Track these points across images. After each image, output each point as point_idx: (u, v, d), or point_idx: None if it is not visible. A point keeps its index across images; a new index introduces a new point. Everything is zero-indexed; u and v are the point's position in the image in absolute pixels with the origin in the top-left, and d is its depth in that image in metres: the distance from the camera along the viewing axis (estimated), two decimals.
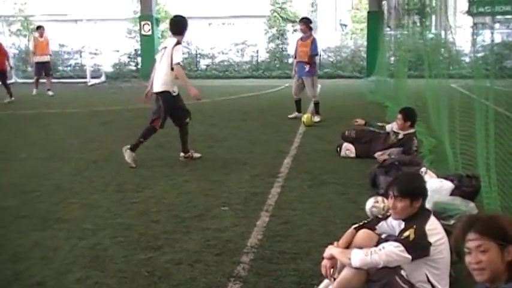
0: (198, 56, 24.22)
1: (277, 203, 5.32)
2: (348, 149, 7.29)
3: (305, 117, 9.93)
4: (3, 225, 4.78)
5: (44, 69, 16.35)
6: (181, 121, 7.33)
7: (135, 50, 23.80)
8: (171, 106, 7.10)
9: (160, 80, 7.04)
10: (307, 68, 10.35)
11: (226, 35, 24.83)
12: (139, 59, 23.40)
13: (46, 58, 16.36)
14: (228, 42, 24.08)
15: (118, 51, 24.09)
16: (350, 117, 9.48)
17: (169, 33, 7.25)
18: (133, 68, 23.80)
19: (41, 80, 16.57)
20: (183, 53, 7.49)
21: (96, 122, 10.96)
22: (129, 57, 24.13)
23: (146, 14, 22.00)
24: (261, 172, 6.53)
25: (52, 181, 6.32)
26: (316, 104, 10.63)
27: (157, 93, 7.05)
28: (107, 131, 9.93)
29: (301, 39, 10.65)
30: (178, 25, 7.18)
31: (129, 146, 7.00)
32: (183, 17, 7.44)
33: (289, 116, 10.72)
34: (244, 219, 4.84)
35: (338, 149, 7.37)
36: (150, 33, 21.94)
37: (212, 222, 4.77)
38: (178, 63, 6.91)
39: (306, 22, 10.71)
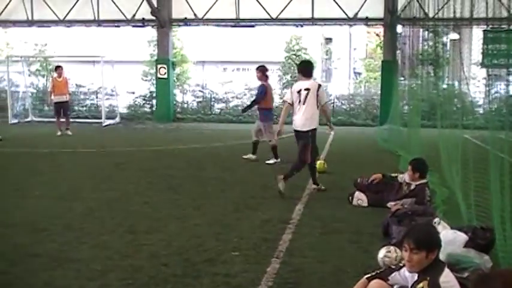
0: (212, 100, 24.47)
1: (288, 249, 5.27)
2: (360, 199, 7.25)
3: (318, 164, 9.94)
4: (15, 263, 4.77)
5: (62, 108, 16.45)
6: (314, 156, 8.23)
7: (151, 92, 24.13)
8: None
9: (308, 119, 7.90)
10: (260, 114, 11.21)
11: (240, 80, 25.11)
12: (154, 102, 23.69)
13: (64, 98, 16.45)
14: (242, 87, 24.34)
15: (133, 93, 24.45)
16: (363, 165, 9.50)
17: (299, 75, 8.30)
18: (148, 110, 24.07)
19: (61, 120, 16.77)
20: None
21: (109, 162, 11.03)
22: (144, 100, 24.43)
23: (163, 58, 22.42)
24: (272, 218, 6.50)
25: (64, 220, 6.34)
26: (273, 148, 10.95)
27: (306, 132, 7.91)
28: (120, 172, 9.98)
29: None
30: (311, 69, 8.32)
31: (282, 176, 7.75)
32: (312, 62, 9.17)
33: (244, 157, 11.12)
34: (255, 265, 4.79)
35: (350, 198, 7.34)
36: (166, 76, 22.30)
37: (222, 267, 4.73)
38: (327, 102, 8.39)
39: (261, 70, 11.42)
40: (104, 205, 7.16)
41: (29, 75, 24.00)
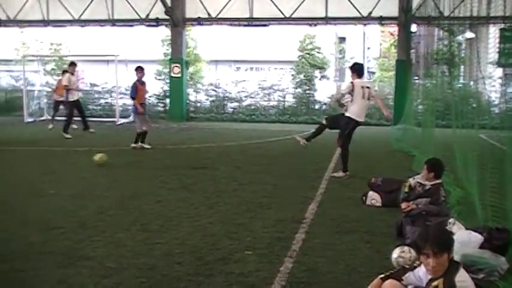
0: (226, 99, 24.49)
1: (302, 249, 5.26)
2: (374, 198, 7.22)
3: (98, 157, 10.45)
4: (29, 261, 4.81)
5: (63, 106, 17.79)
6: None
7: (164, 91, 24.20)
8: None
9: (365, 112, 9.50)
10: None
11: (253, 79, 25.10)
12: (167, 100, 23.75)
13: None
14: (255, 86, 24.34)
15: (147, 92, 24.47)
16: (376, 165, 9.46)
17: (353, 75, 9.37)
18: (161, 109, 24.15)
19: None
20: None
21: (122, 161, 11.09)
22: (157, 99, 24.49)
23: (176, 57, 22.48)
24: (285, 217, 6.49)
25: (78, 218, 6.37)
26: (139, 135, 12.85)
27: (361, 123, 9.35)
28: (133, 171, 10.02)
29: (140, 83, 12.95)
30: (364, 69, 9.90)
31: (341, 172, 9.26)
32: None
33: (146, 147, 12.74)
34: (268, 264, 4.79)
35: (364, 198, 7.30)
36: (179, 75, 22.36)
37: (235, 266, 4.73)
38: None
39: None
40: (118, 203, 7.19)
41: (45, 75, 24.19)
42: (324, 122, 9.68)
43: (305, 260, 4.93)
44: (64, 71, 18.75)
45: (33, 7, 23.32)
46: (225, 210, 6.87)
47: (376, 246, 5.38)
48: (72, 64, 16.52)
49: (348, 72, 10.80)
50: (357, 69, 9.52)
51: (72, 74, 16.21)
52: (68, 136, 14.98)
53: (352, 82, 9.28)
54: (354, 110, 9.23)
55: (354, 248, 5.32)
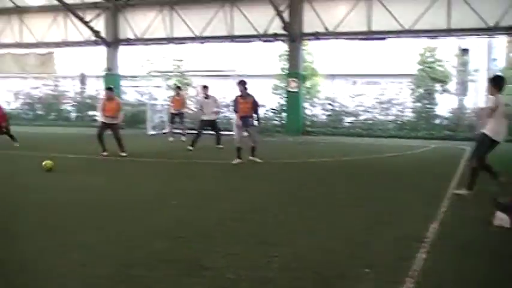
0: (342, 113, 24.28)
1: (423, 269, 5.02)
2: (502, 219, 6.76)
3: (48, 164, 10.77)
4: (153, 269, 5.01)
5: (179, 118, 19.57)
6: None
7: (281, 105, 24.43)
8: None
9: (505, 131, 8.83)
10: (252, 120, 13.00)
11: (370, 93, 24.63)
12: (284, 114, 23.96)
13: (180, 111, 19.54)
14: (372, 100, 23.90)
15: (264, 106, 24.87)
16: (506, 184, 8.87)
17: (494, 89, 8.74)
18: (278, 123, 24.38)
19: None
20: None
21: (239, 174, 11.33)
22: (274, 112, 24.78)
23: (293, 71, 22.67)
24: (405, 235, 6.26)
25: (197, 228, 6.57)
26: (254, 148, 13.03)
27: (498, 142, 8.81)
28: (250, 184, 10.19)
29: (242, 97, 12.89)
30: None
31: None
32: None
33: (233, 162, 12.57)
34: (388, 284, 4.63)
35: (491, 218, 6.86)
36: (296, 89, 22.52)
37: (354, 283, 4.62)
38: None
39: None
40: (235, 215, 7.32)
41: (167, 89, 25.43)
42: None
43: (427, 281, 4.70)
44: (177, 87, 20.71)
45: (158, 26, 24.74)
46: (343, 225, 6.77)
47: (504, 271, 5.04)
48: (205, 87, 17.02)
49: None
50: (498, 83, 8.86)
51: (206, 97, 16.65)
52: (190, 148, 15.52)
53: (496, 97, 8.68)
54: (492, 128, 8.67)
55: (479, 272, 5.00)
